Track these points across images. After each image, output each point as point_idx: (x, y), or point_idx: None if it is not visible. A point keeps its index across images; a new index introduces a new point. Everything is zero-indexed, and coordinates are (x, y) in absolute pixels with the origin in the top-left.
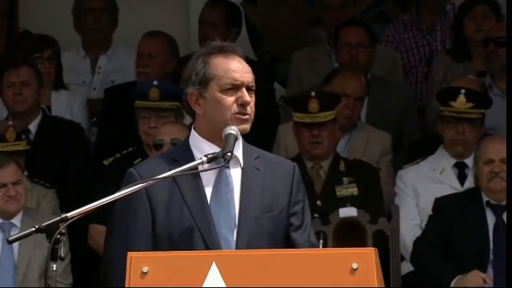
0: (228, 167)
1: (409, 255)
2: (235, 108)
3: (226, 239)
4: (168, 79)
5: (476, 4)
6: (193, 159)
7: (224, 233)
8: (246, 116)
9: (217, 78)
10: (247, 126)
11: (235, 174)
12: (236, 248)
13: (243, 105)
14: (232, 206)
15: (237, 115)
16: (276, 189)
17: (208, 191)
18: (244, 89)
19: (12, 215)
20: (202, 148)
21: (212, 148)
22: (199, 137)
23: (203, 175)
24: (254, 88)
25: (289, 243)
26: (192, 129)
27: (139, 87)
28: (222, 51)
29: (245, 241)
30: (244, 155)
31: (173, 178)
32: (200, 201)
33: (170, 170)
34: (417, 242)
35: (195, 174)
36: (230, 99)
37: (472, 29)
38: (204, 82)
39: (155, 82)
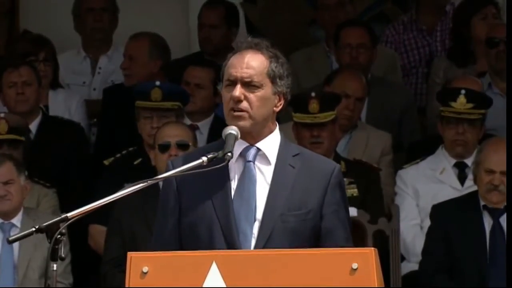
0: (253, 162)
1: (410, 256)
2: (231, 104)
3: (245, 233)
4: (158, 79)
5: (484, 4)
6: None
7: (243, 227)
8: (238, 113)
9: (224, 74)
10: (242, 123)
11: (266, 171)
12: (256, 243)
13: (234, 100)
14: (253, 201)
15: (231, 112)
16: (309, 188)
17: (234, 185)
18: (238, 85)
19: (7, 215)
20: None
21: (238, 143)
22: None
23: (231, 169)
24: (256, 83)
25: (318, 245)
26: None
27: (140, 87)
28: (242, 47)
29: (267, 236)
30: (280, 152)
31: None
32: (224, 194)
33: None
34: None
35: (223, 167)
36: (228, 95)
37: (483, 29)
38: (222, 80)
39: (157, 83)
